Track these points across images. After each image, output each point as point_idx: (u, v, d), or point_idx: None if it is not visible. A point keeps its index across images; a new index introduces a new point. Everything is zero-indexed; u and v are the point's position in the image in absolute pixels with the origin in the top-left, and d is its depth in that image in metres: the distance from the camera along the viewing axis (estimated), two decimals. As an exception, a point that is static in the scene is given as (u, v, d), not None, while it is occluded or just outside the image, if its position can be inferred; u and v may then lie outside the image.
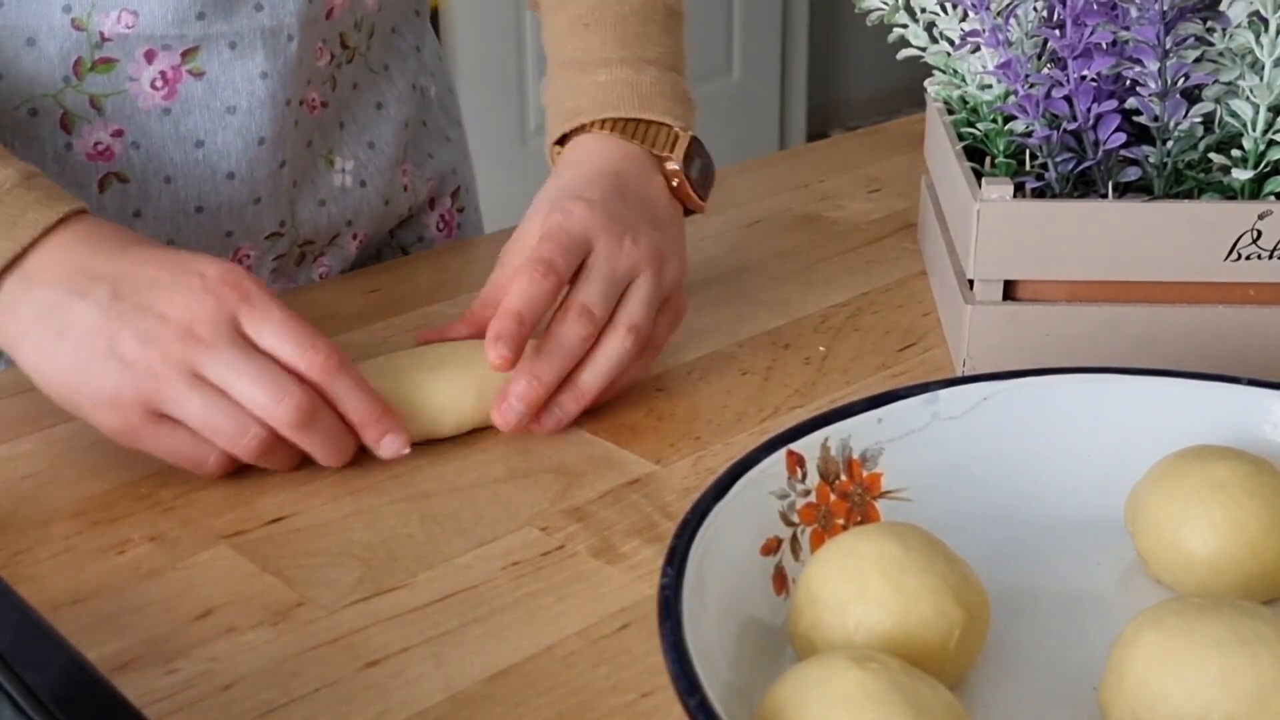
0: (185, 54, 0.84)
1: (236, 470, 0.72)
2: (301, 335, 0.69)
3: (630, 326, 0.76)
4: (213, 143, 0.87)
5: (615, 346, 0.75)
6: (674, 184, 0.84)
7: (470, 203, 1.10)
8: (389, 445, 0.71)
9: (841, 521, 0.61)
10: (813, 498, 0.61)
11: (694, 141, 0.86)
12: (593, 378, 0.75)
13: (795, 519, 0.60)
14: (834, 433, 0.62)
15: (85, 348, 0.69)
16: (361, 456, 0.73)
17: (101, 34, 0.82)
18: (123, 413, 0.68)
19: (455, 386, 0.74)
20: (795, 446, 0.61)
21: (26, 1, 0.81)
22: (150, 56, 0.84)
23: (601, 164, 0.83)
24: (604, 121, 0.85)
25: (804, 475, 0.61)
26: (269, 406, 0.68)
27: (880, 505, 0.63)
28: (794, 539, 0.60)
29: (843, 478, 0.62)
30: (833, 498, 0.62)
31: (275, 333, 0.69)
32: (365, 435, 0.71)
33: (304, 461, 0.73)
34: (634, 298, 0.77)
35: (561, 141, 0.88)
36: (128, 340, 0.68)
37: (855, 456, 0.62)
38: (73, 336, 0.69)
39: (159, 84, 0.84)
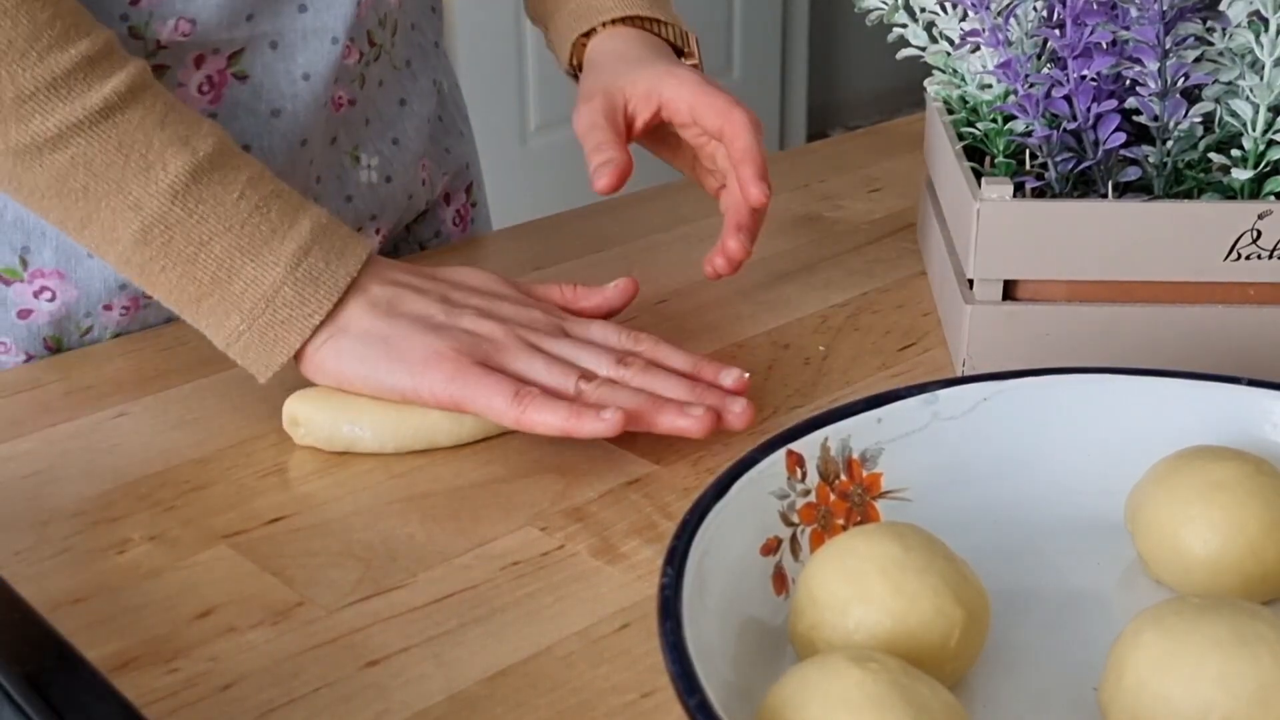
0: (231, 57, 0.84)
1: (236, 471, 0.72)
2: (626, 330, 0.77)
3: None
4: (259, 146, 0.87)
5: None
6: None
7: (481, 197, 1.11)
8: (728, 376, 0.75)
9: (841, 521, 0.62)
10: (812, 498, 0.61)
11: (698, 43, 0.96)
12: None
13: (795, 519, 0.60)
14: (834, 433, 0.62)
15: (420, 323, 0.74)
16: (362, 457, 0.73)
17: (158, 41, 0.81)
18: (450, 362, 0.72)
19: None
20: (795, 446, 0.61)
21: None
22: (199, 61, 0.83)
23: (641, 51, 0.91)
24: (624, 19, 0.93)
25: (804, 475, 0.61)
26: (608, 370, 0.74)
27: (880, 505, 0.63)
28: (794, 539, 0.60)
29: (842, 478, 0.62)
30: (832, 498, 0.62)
31: (602, 328, 0.77)
32: (701, 377, 0.75)
33: (303, 462, 0.73)
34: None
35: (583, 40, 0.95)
36: (469, 319, 0.75)
37: (855, 456, 0.62)
38: (406, 317, 0.74)
39: (205, 88, 0.84)
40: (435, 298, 0.75)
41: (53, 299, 0.86)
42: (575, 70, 0.95)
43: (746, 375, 0.75)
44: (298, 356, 0.74)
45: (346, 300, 0.74)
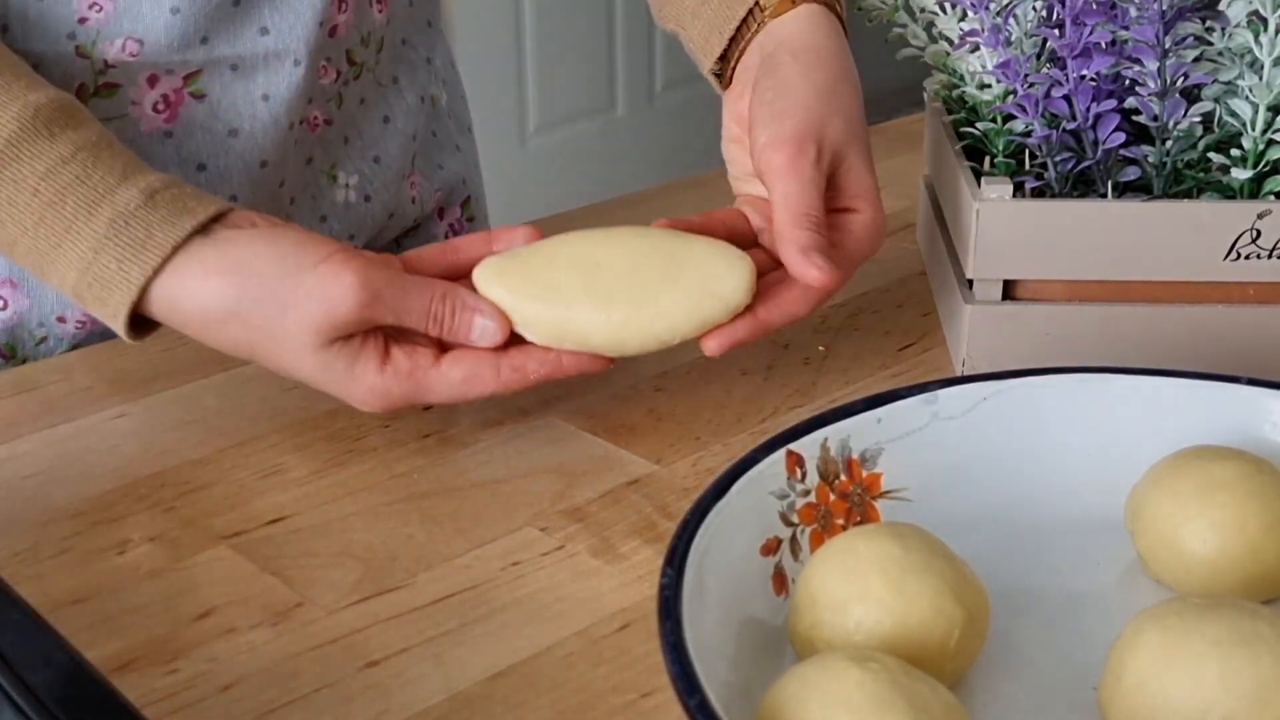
0: (187, 77, 0.84)
1: (236, 471, 0.72)
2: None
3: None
4: (215, 166, 0.86)
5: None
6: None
7: (480, 211, 1.09)
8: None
9: (841, 522, 0.62)
10: (812, 498, 0.61)
11: None
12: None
13: (795, 519, 0.60)
14: (834, 433, 0.62)
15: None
16: (362, 457, 0.73)
17: (105, 61, 0.81)
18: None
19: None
20: (795, 446, 0.61)
21: (32, 29, 0.80)
22: (153, 81, 0.83)
23: (831, 59, 0.80)
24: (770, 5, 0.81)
25: (804, 475, 0.61)
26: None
27: (880, 505, 0.63)
28: (793, 539, 0.60)
29: (842, 478, 0.62)
30: (832, 498, 0.62)
31: (449, 387, 0.71)
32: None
33: (303, 462, 0.73)
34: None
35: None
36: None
37: (855, 456, 0.62)
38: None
39: (161, 107, 0.83)
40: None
41: (4, 307, 0.86)
42: (720, 69, 0.83)
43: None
44: None
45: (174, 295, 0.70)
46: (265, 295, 0.69)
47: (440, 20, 1.04)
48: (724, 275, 0.72)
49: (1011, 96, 0.80)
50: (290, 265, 0.69)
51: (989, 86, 0.84)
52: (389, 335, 0.71)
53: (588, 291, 0.71)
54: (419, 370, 0.70)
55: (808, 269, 0.70)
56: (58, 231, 0.70)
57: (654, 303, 0.71)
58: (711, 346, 0.72)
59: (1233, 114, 0.77)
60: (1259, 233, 0.75)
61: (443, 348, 0.71)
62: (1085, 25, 0.76)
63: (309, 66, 0.87)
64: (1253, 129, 0.76)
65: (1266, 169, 0.77)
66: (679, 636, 0.50)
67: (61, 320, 0.87)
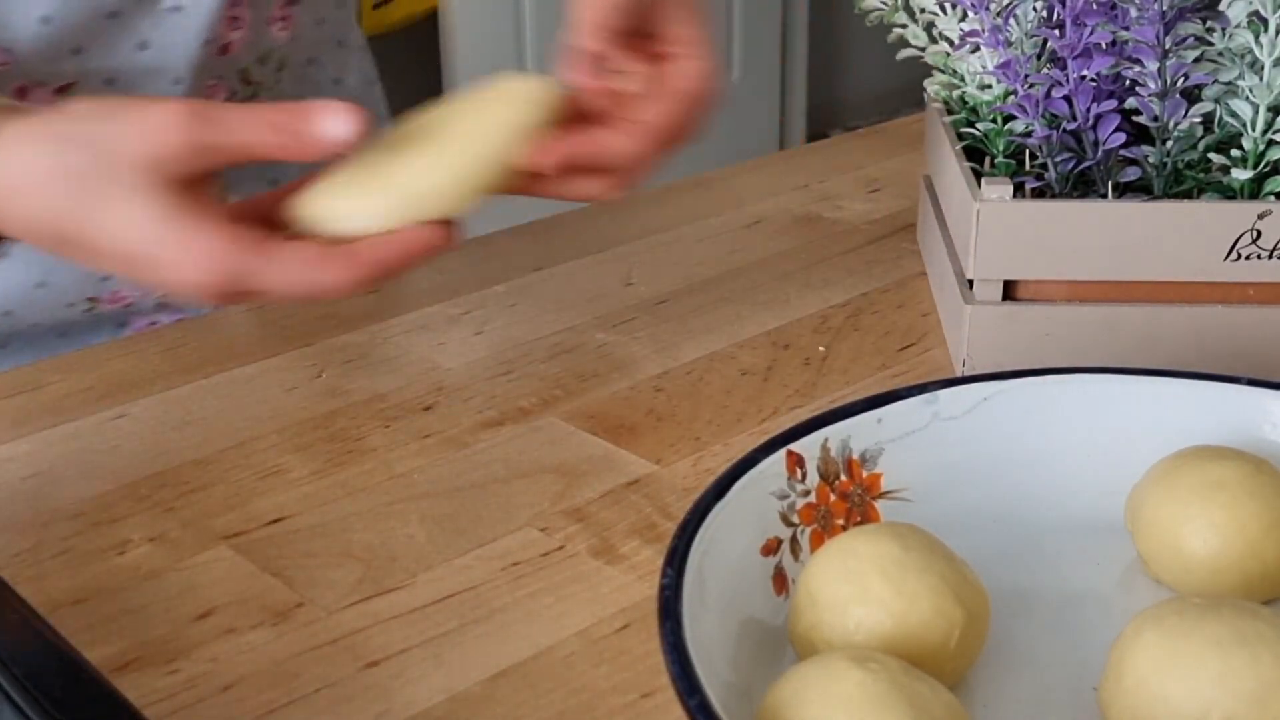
0: (60, 90, 0.80)
1: (236, 471, 0.72)
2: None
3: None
4: None
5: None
6: None
7: None
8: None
9: (841, 522, 0.62)
10: (812, 498, 0.61)
11: None
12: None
13: (795, 519, 0.60)
14: (834, 433, 0.62)
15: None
16: (362, 457, 0.73)
17: None
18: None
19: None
20: (795, 447, 0.61)
21: None
22: (22, 93, 0.80)
23: None
24: None
25: (804, 475, 0.61)
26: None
27: (880, 506, 0.63)
28: (794, 539, 0.60)
29: (842, 478, 0.62)
30: (832, 498, 0.62)
31: (293, 269, 0.63)
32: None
33: (303, 462, 0.73)
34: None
35: None
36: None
37: (855, 457, 0.63)
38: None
39: None
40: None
41: None
42: None
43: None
44: None
45: None
46: (89, 140, 0.61)
47: (356, 39, 1.00)
48: (520, 92, 0.68)
49: (1012, 97, 0.80)
50: (113, 110, 0.62)
51: (989, 87, 0.84)
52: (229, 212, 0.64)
53: (392, 165, 0.66)
54: (267, 241, 0.62)
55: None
56: None
57: (459, 146, 0.66)
58: (531, 156, 0.66)
59: (1233, 114, 0.77)
60: (1259, 233, 0.75)
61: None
62: (1085, 26, 0.76)
63: (192, 86, 0.83)
64: (1253, 129, 0.76)
65: (1267, 169, 0.77)
66: (679, 637, 0.50)
67: None
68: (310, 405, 0.78)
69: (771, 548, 0.59)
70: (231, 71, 0.87)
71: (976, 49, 0.83)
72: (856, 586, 0.54)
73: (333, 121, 0.61)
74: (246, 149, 0.61)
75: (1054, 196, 0.79)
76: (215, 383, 0.80)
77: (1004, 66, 0.79)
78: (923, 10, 0.86)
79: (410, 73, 2.20)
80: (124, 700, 0.49)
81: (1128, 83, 0.77)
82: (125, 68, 0.81)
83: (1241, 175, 0.76)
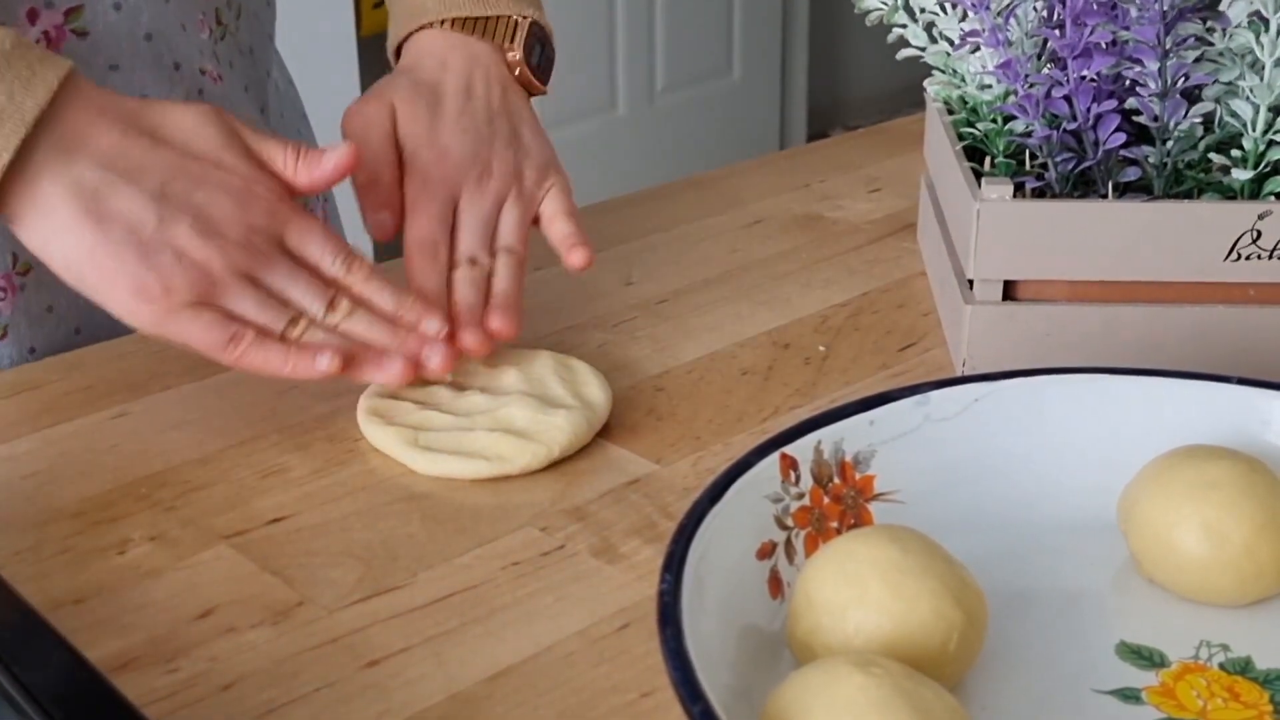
0: (68, 13, 0.83)
1: (237, 471, 0.72)
2: (341, 248, 0.74)
3: (508, 250, 0.82)
4: None
5: (504, 275, 0.81)
6: (516, 72, 0.88)
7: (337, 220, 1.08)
8: (430, 325, 0.74)
9: (835, 525, 0.61)
10: (806, 501, 0.61)
11: (533, 27, 0.89)
12: (501, 318, 0.79)
13: (789, 522, 0.60)
14: (827, 435, 0.62)
15: (131, 235, 0.70)
16: (362, 457, 0.73)
17: None
18: (160, 301, 0.70)
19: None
20: (788, 449, 0.61)
21: None
22: (33, 16, 0.82)
23: (447, 66, 0.87)
24: (447, 21, 0.88)
25: (797, 478, 0.61)
26: (319, 311, 0.73)
27: (873, 508, 0.63)
28: (788, 543, 0.60)
29: (836, 480, 0.62)
30: (826, 501, 0.62)
31: (319, 242, 0.74)
32: (402, 323, 0.74)
33: (303, 462, 0.73)
34: (505, 225, 0.83)
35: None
36: (183, 236, 0.70)
37: (848, 459, 0.62)
38: (117, 222, 0.70)
39: (41, 43, 0.82)
40: (151, 188, 0.71)
41: None
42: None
43: (445, 328, 0.75)
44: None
45: (46, 165, 0.69)
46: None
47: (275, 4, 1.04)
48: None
49: (1012, 97, 0.80)
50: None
51: (989, 87, 0.84)
52: None
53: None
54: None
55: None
56: None
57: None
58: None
59: (1233, 114, 0.77)
60: (1259, 233, 0.75)
61: None
62: (1086, 25, 0.76)
63: (194, 16, 0.88)
64: (1253, 129, 0.76)
65: (1267, 169, 0.77)
66: (680, 643, 0.49)
67: None
68: (310, 405, 0.78)
69: (767, 551, 0.59)
70: (210, 9, 0.92)
71: (977, 49, 0.83)
72: (855, 590, 0.54)
73: (335, 158, 0.76)
74: (261, 146, 0.74)
75: (1054, 196, 0.79)
76: (215, 383, 0.80)
77: (1004, 66, 0.79)
78: (923, 10, 0.86)
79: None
80: (124, 699, 0.49)
81: (1128, 83, 0.77)
82: None
83: (1242, 175, 0.76)
